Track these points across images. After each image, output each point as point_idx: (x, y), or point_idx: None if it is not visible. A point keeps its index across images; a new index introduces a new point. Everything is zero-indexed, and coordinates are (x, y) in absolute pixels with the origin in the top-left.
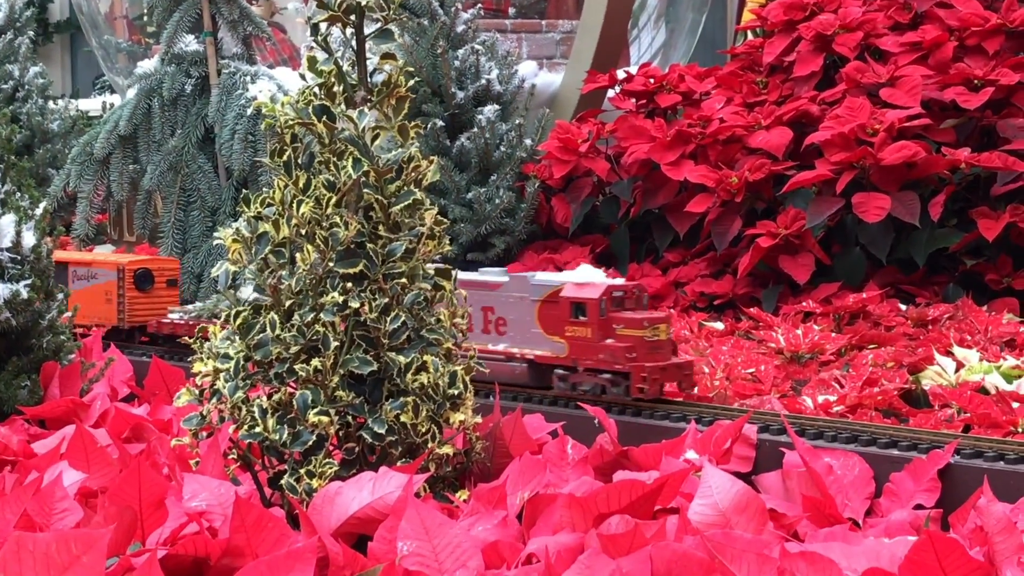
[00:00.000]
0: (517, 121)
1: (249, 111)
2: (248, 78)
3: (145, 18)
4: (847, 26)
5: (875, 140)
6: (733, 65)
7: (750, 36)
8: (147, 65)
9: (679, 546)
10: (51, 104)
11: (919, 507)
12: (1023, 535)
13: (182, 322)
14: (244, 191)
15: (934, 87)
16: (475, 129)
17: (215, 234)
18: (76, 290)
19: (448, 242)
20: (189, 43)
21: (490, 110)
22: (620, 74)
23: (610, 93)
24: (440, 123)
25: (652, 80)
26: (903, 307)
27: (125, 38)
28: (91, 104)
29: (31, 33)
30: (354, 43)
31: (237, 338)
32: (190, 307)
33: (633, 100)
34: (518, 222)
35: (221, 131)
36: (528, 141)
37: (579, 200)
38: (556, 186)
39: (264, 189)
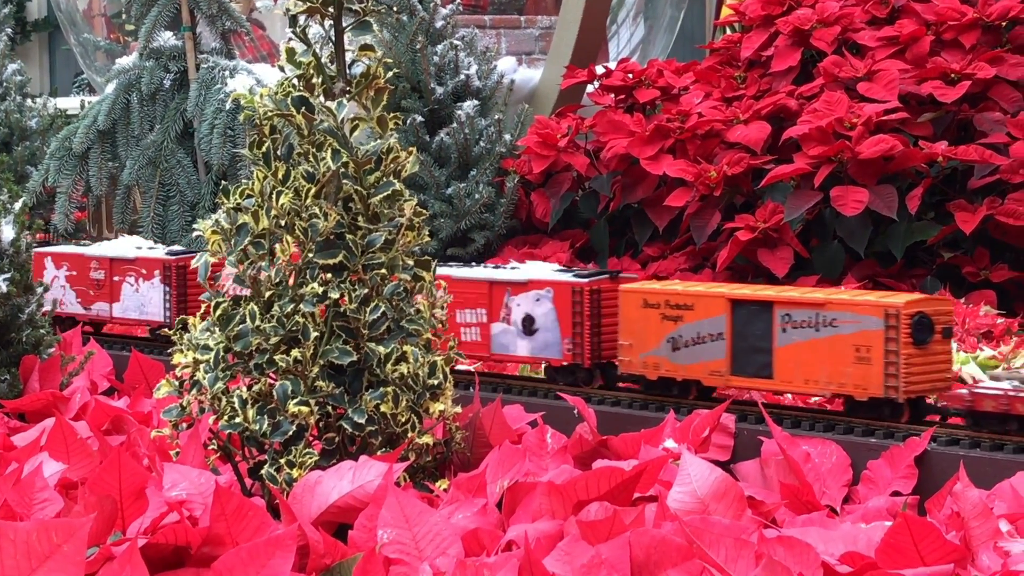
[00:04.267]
0: (496, 116)
1: (228, 105)
2: (227, 73)
3: (124, 16)
4: (824, 21)
5: (853, 134)
6: (711, 60)
7: (728, 31)
8: (126, 61)
9: (658, 532)
10: (29, 102)
11: (896, 494)
12: (999, 520)
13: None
14: (223, 184)
15: (911, 81)
16: (454, 124)
17: (194, 226)
18: (786, 345)
19: (427, 234)
20: (168, 38)
21: (469, 105)
22: (599, 70)
23: (589, 88)
24: (419, 119)
25: (631, 75)
26: None
27: (104, 36)
28: (70, 103)
29: (9, 31)
30: (332, 35)
31: (217, 329)
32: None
33: (612, 95)
34: (498, 217)
35: (200, 126)
36: (507, 136)
37: (558, 195)
38: (535, 181)
39: (244, 182)
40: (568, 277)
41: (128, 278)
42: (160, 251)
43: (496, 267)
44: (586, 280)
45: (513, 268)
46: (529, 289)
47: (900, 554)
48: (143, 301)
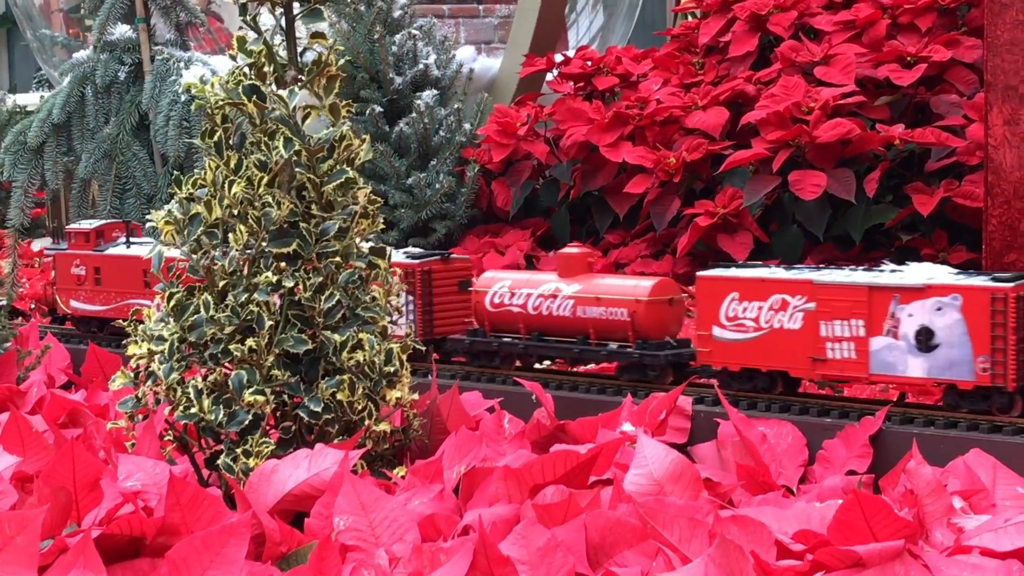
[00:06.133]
0: (456, 106)
1: (183, 97)
2: (182, 64)
3: (81, 11)
4: (781, 6)
5: (810, 118)
6: (670, 47)
7: (688, 18)
8: (81, 55)
9: (613, 514)
10: None
11: (852, 473)
12: (952, 497)
13: None
14: (176, 174)
15: (868, 65)
16: (414, 114)
17: (147, 216)
18: None
19: (388, 224)
20: (123, 31)
21: (428, 95)
22: (558, 57)
23: (548, 77)
24: (379, 109)
25: (589, 63)
26: None
27: (61, 31)
28: (30, 99)
29: None
30: (283, 23)
31: (171, 320)
32: None
33: (571, 83)
34: (459, 207)
35: (155, 118)
36: (467, 126)
37: (519, 183)
38: (496, 170)
39: (197, 172)
40: (982, 281)
41: None
42: (399, 255)
43: (871, 269)
44: (1010, 284)
45: (894, 271)
46: (927, 296)
47: (852, 531)
48: None
